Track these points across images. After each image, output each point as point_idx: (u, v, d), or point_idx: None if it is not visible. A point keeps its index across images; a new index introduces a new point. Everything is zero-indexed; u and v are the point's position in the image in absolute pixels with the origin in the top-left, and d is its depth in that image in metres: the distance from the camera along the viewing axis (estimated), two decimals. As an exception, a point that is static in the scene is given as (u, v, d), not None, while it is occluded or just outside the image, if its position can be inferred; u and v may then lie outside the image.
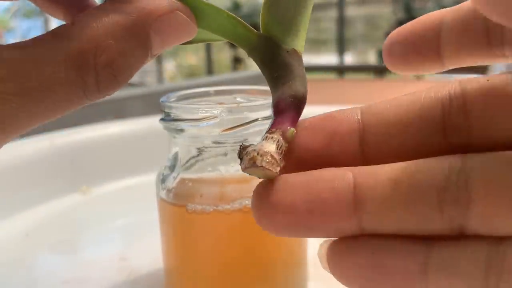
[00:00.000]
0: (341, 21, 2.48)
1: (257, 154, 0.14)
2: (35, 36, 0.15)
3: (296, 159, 0.15)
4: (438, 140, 0.14)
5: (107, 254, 0.32)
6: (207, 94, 0.27)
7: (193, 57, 3.92)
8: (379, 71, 1.89)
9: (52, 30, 0.15)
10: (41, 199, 0.41)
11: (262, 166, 0.14)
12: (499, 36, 0.15)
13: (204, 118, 0.23)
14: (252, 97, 0.26)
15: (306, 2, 0.17)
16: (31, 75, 0.14)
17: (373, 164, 0.14)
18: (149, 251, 0.30)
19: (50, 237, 0.35)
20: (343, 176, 0.14)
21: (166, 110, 0.24)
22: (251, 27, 0.17)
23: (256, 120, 0.23)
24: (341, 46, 2.45)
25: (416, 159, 0.14)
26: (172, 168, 0.25)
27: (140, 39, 0.15)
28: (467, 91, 0.14)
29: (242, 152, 0.15)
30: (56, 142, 0.43)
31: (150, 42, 0.15)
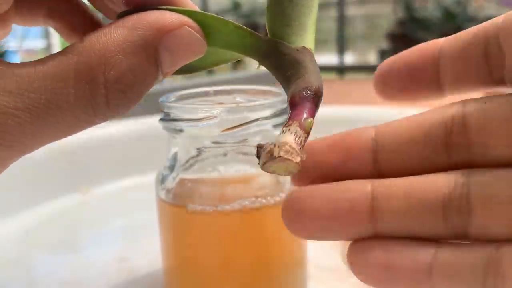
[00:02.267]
0: (341, 21, 2.48)
1: (275, 146, 0.14)
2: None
3: (317, 173, 0.17)
4: (442, 157, 0.16)
5: (107, 254, 0.32)
6: (206, 94, 0.27)
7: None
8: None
9: (63, 49, 0.15)
10: (41, 199, 0.41)
11: (280, 156, 0.14)
12: (499, 63, 0.16)
13: (203, 118, 0.23)
14: (252, 97, 0.26)
15: (310, 0, 0.17)
16: (40, 91, 0.14)
17: (385, 178, 0.16)
18: (149, 251, 0.30)
19: (49, 237, 0.35)
20: (363, 188, 0.16)
21: (165, 110, 0.24)
22: (258, 34, 0.17)
23: (256, 120, 0.23)
24: (341, 45, 2.45)
25: (424, 173, 0.16)
26: (171, 168, 0.25)
27: (149, 55, 0.15)
28: (467, 111, 0.16)
29: (259, 150, 0.15)
30: (56, 142, 0.43)
31: (160, 58, 0.15)
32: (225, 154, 0.24)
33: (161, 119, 0.24)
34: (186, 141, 0.24)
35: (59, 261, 0.32)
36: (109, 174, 0.45)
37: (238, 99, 0.26)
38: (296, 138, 0.14)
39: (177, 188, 0.24)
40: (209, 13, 0.16)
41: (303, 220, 0.16)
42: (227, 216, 0.23)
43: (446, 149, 0.16)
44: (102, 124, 0.17)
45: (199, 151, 0.24)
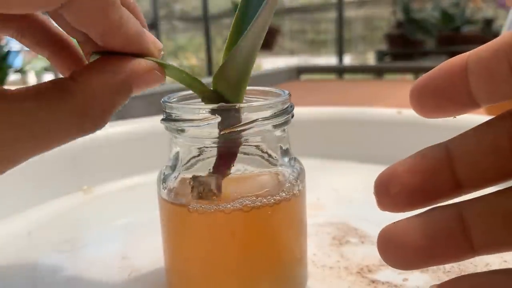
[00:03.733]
0: (340, 22, 2.48)
1: (203, 189, 0.23)
2: (41, 83, 0.19)
3: (404, 196, 0.18)
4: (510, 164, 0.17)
5: (109, 253, 0.33)
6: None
7: (194, 58, 3.92)
8: (378, 72, 1.90)
9: (56, 83, 0.19)
10: (43, 199, 0.41)
11: (205, 196, 0.23)
12: None
13: (204, 119, 0.23)
14: (252, 98, 0.26)
15: (249, 66, 0.23)
16: (43, 122, 0.18)
17: (466, 189, 0.17)
18: (150, 250, 0.30)
19: (52, 236, 0.35)
20: (450, 213, 0.17)
21: (167, 111, 0.24)
22: (203, 82, 0.23)
23: (256, 120, 0.23)
24: (340, 47, 2.45)
25: (499, 180, 0.17)
26: (173, 167, 0.25)
27: (125, 93, 0.21)
28: None
29: (193, 184, 0.23)
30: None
31: (131, 93, 0.21)
32: (226, 154, 0.24)
33: (163, 120, 0.24)
34: (187, 141, 0.24)
35: (61, 260, 0.32)
36: (111, 173, 0.46)
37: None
38: (217, 184, 0.23)
39: (179, 187, 0.24)
40: (168, 63, 0.22)
41: (405, 254, 0.17)
42: (228, 215, 0.23)
43: None
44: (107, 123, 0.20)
45: (200, 150, 0.24)
